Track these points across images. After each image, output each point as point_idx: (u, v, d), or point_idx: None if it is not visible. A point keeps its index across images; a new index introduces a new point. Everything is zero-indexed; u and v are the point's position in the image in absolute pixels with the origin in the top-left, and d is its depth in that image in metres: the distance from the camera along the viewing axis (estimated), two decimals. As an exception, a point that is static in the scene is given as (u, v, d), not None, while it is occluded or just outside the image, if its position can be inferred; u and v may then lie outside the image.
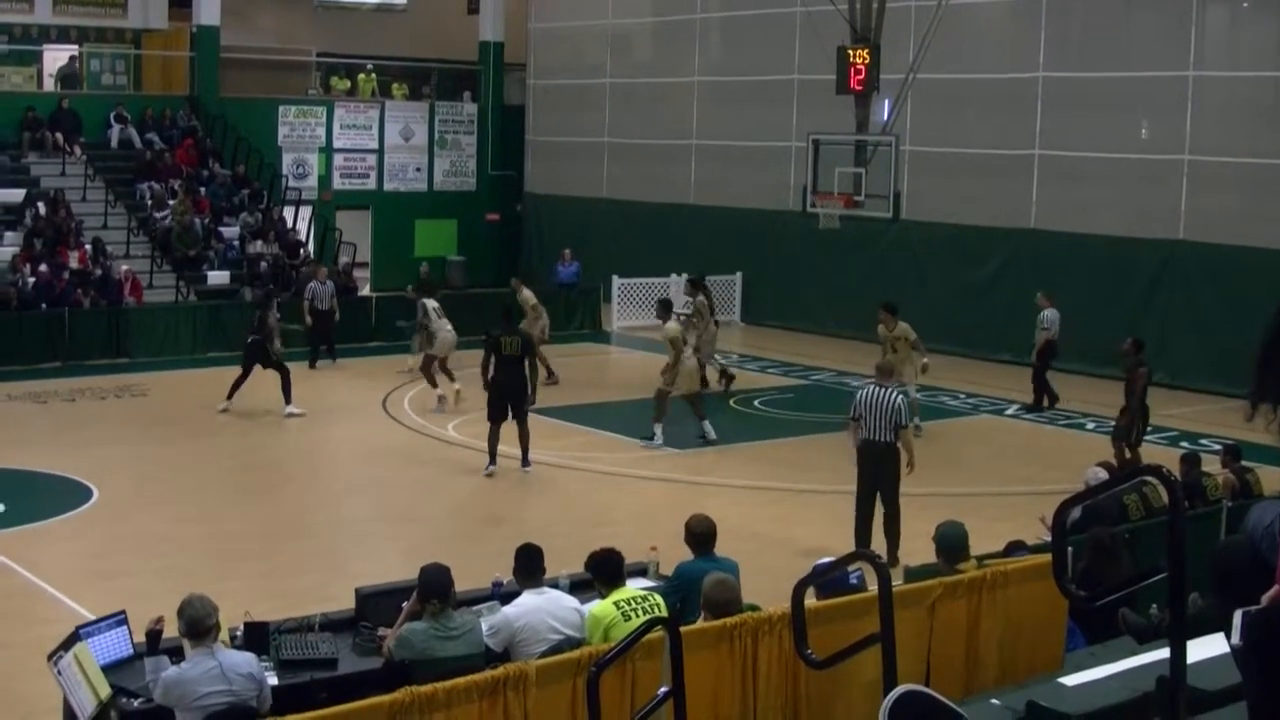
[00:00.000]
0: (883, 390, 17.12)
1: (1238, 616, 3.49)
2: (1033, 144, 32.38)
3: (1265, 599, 3.42)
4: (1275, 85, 29.19)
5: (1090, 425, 25.94)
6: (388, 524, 19.36)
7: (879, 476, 17.06)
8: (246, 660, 9.18)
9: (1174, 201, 30.14)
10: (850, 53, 27.98)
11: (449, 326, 26.70)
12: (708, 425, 23.93)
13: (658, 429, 23.63)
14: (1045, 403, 27.19)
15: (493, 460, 21.52)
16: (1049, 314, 26.77)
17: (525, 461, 21.74)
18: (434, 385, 26.38)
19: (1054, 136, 32.02)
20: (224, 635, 9.50)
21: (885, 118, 30.02)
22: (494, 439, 21.47)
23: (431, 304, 27.04)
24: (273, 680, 9.62)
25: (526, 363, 21.36)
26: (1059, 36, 32.04)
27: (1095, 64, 31.23)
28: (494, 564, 11.70)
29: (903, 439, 17.11)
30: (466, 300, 34.16)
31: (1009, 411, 27.45)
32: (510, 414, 21.35)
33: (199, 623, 8.95)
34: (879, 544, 16.39)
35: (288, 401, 25.19)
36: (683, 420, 24.08)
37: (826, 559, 11.39)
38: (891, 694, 5.15)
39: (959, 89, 33.01)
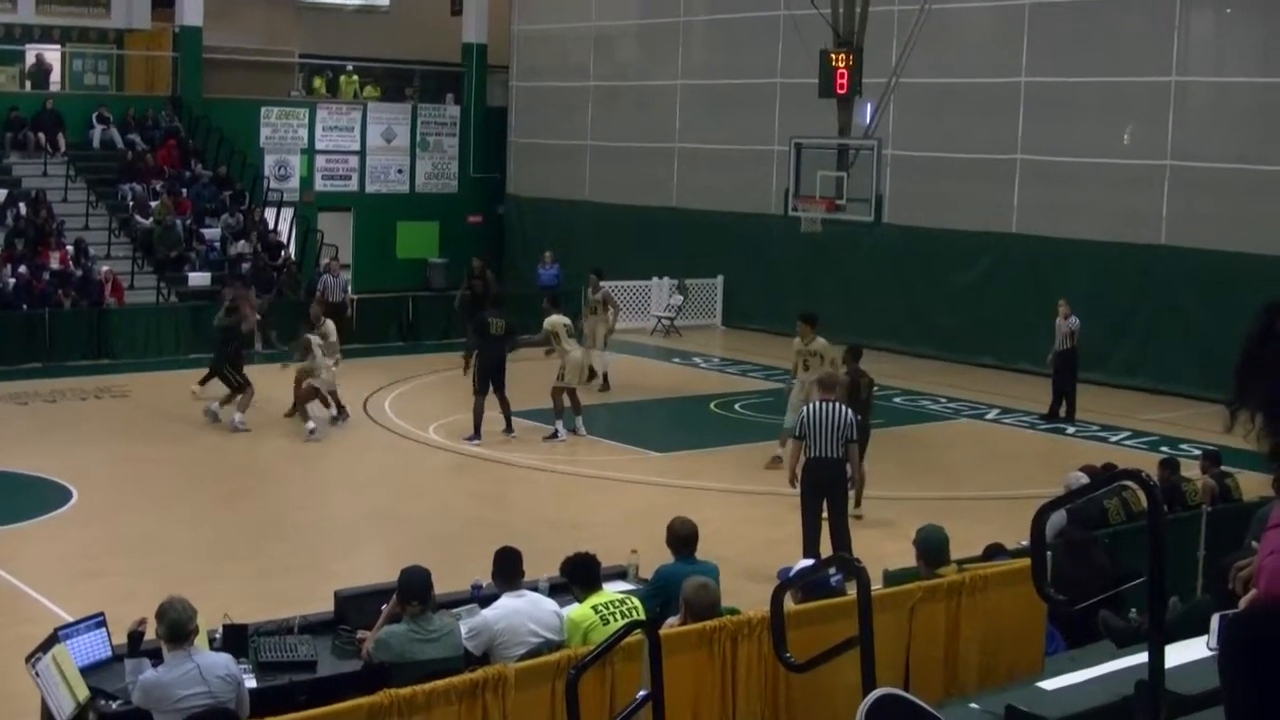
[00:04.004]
0: (830, 405, 16.96)
1: (1215, 620, 3.49)
2: (1015, 148, 32.42)
3: (1243, 602, 3.42)
4: (1257, 91, 29.26)
5: (1070, 430, 25.98)
6: (369, 526, 19.33)
7: (827, 492, 16.83)
8: (224, 662, 9.16)
9: (1156, 206, 30.20)
10: (833, 56, 27.99)
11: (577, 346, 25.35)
12: (580, 421, 24.52)
13: (559, 424, 24.23)
14: (1063, 412, 26.79)
15: (477, 433, 23.63)
16: (1075, 321, 26.44)
17: (509, 428, 24.08)
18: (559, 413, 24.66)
19: (1036, 141, 32.06)
20: (203, 637, 9.49)
21: (868, 121, 30.02)
22: (479, 411, 23.69)
23: (562, 321, 25.04)
24: (251, 683, 9.61)
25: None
26: (1042, 41, 32.07)
27: (1078, 69, 31.27)
28: (474, 566, 11.68)
29: (851, 455, 17.00)
30: (448, 302, 34.15)
31: (990, 416, 27.48)
32: (492, 388, 23.69)
33: (179, 627, 8.93)
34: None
35: (239, 409, 24.39)
36: (658, 421, 24.10)
37: (803, 562, 11.38)
38: (869, 697, 5.15)
39: (942, 93, 33.06)
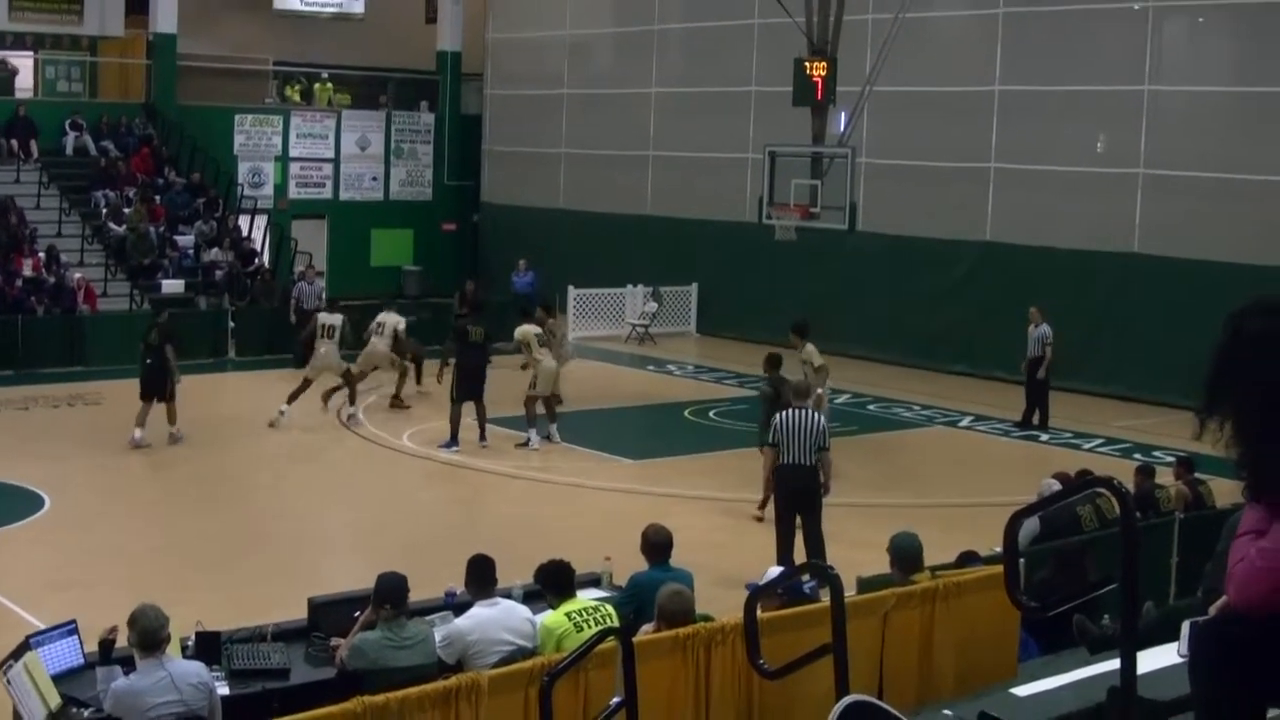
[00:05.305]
0: (803, 413, 17.03)
1: (1186, 627, 3.51)
2: (989, 156, 32.51)
3: (1213, 609, 3.44)
4: (1229, 100, 29.38)
5: (1044, 437, 26.03)
6: (342, 533, 19.31)
7: (800, 500, 16.88)
8: (196, 670, 9.13)
9: (1129, 214, 30.31)
10: (807, 65, 28.03)
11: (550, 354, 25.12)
12: (555, 428, 24.50)
13: (532, 433, 24.16)
14: (1036, 420, 26.85)
15: (454, 439, 23.71)
16: (1047, 329, 26.54)
17: (482, 437, 23.95)
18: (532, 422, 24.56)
19: (1010, 149, 32.14)
20: (175, 645, 9.46)
21: (842, 129, 30.07)
22: (456, 418, 23.75)
23: (533, 330, 25.05)
24: (224, 690, 9.58)
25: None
26: (1015, 49, 32.17)
27: (1052, 77, 31.39)
28: (448, 574, 11.66)
29: (823, 461, 17.03)
30: (423, 310, 34.11)
31: (963, 423, 27.53)
32: (470, 395, 23.81)
33: (151, 634, 8.89)
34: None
35: (170, 422, 23.73)
36: (632, 428, 24.09)
37: (776, 569, 11.37)
38: (838, 705, 5.15)
39: (916, 101, 33.12)
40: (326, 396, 25.74)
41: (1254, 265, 26.80)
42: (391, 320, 26.45)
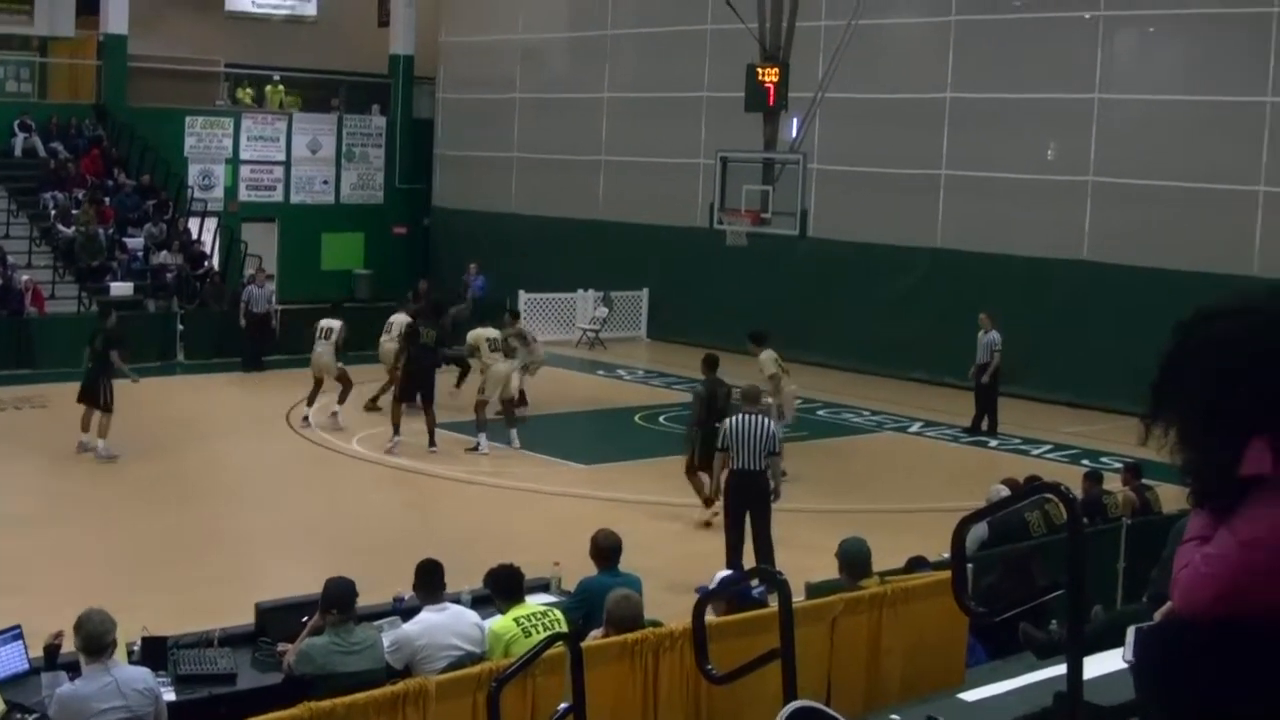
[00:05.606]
0: (752, 418, 17.08)
1: (1131, 632, 3.52)
2: (940, 163, 32.63)
3: (1158, 615, 3.45)
4: (1178, 108, 29.54)
5: (993, 443, 26.13)
6: (291, 538, 19.24)
7: (749, 505, 16.94)
8: (142, 675, 9.08)
9: (1079, 221, 30.47)
10: (759, 71, 28.05)
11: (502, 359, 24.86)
12: (514, 433, 24.39)
13: (482, 437, 24.04)
14: (985, 425, 26.96)
15: (396, 431, 23.55)
16: (996, 335, 26.66)
17: (432, 443, 23.69)
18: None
19: (961, 156, 32.28)
20: (122, 650, 9.40)
21: (794, 135, 30.11)
22: (398, 414, 23.63)
23: (485, 334, 24.92)
24: (170, 696, 9.53)
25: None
26: (967, 57, 32.31)
27: (1003, 85, 31.54)
28: (397, 579, 11.63)
29: (772, 467, 17.08)
30: (372, 314, 33.95)
31: (913, 429, 27.61)
32: (420, 399, 23.85)
33: (96, 639, 8.84)
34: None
35: (101, 436, 23.03)
36: (582, 434, 24.06)
37: (723, 573, 11.38)
38: (785, 710, 5.15)
39: (867, 108, 33.22)
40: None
41: (1202, 273, 26.93)
42: (400, 320, 26.31)
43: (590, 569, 11.64)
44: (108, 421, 22.84)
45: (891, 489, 22.75)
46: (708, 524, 19.31)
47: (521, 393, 26.43)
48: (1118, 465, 19.38)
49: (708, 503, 19.35)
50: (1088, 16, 30.68)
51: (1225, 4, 29.02)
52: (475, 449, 23.96)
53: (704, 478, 19.16)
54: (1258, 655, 3.15)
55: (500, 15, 43.33)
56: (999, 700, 8.05)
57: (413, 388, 23.88)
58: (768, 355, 23.10)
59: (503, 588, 10.47)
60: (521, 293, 36.86)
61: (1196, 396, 3.16)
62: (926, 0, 33.90)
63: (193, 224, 38.17)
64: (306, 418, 25.52)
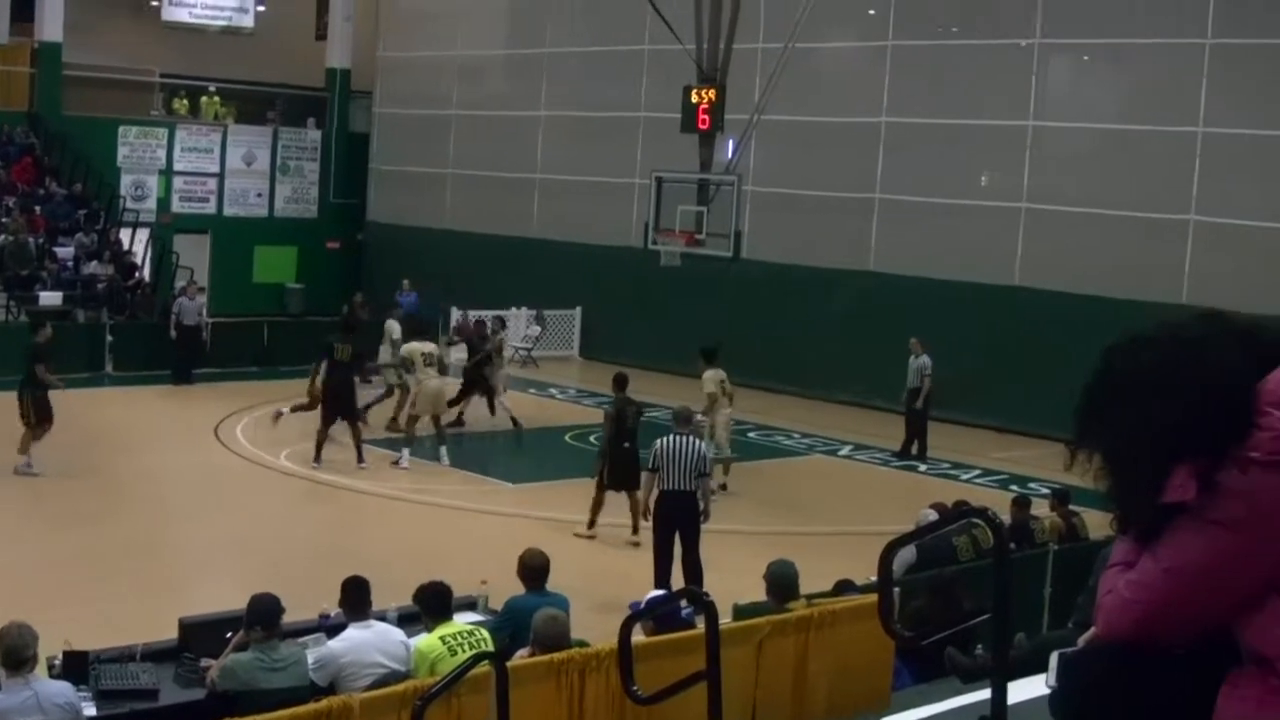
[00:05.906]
0: (683, 439, 17.10)
1: (1054, 658, 3.52)
2: (874, 187, 32.78)
3: (1081, 640, 3.46)
4: (1112, 136, 29.77)
5: (922, 468, 26.22)
6: (217, 553, 19.10)
7: (679, 525, 16.95)
8: (62, 690, 8.98)
9: (1011, 247, 30.66)
10: (696, 92, 28.10)
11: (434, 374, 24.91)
12: (444, 450, 24.41)
13: (405, 452, 24.10)
14: (915, 450, 27.08)
15: (318, 457, 23.47)
16: (927, 360, 26.77)
17: (360, 458, 23.57)
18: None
19: (895, 180, 32.43)
20: (42, 665, 9.30)
21: (729, 157, 30.17)
22: (324, 436, 23.50)
23: (420, 349, 24.94)
24: (91, 711, 9.44)
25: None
26: (903, 82, 32.48)
27: (938, 110, 31.72)
28: (323, 595, 11.55)
29: (702, 488, 17.10)
30: (304, 328, 33.88)
31: (843, 452, 27.68)
32: (339, 415, 23.54)
33: (16, 653, 8.75)
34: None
35: (20, 451, 22.56)
36: (512, 452, 24.00)
37: (653, 593, 11.36)
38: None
39: (803, 131, 33.34)
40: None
41: (1132, 300, 27.11)
42: (392, 327, 26.23)
43: (518, 588, 11.61)
44: (28, 436, 22.46)
45: (821, 512, 22.80)
46: (636, 544, 19.30)
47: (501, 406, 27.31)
48: (1046, 491, 19.50)
49: (634, 527, 19.42)
50: (1023, 44, 30.92)
51: (1159, 34, 29.26)
52: (397, 463, 23.86)
53: (613, 495, 19.25)
54: (1175, 680, 3.17)
55: (439, 31, 43.30)
56: (924, 724, 8.06)
57: (331, 406, 23.51)
58: (711, 374, 23.21)
59: (431, 605, 10.42)
60: (454, 309, 36.74)
61: (1120, 424, 3.18)
62: (863, 24, 34.09)
63: (124, 235, 37.92)
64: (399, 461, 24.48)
